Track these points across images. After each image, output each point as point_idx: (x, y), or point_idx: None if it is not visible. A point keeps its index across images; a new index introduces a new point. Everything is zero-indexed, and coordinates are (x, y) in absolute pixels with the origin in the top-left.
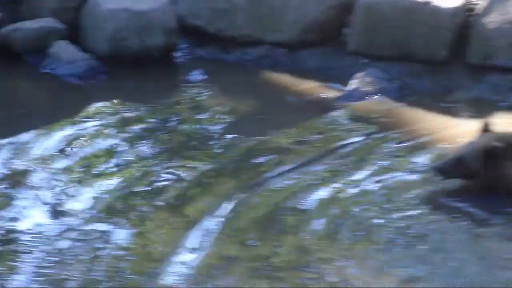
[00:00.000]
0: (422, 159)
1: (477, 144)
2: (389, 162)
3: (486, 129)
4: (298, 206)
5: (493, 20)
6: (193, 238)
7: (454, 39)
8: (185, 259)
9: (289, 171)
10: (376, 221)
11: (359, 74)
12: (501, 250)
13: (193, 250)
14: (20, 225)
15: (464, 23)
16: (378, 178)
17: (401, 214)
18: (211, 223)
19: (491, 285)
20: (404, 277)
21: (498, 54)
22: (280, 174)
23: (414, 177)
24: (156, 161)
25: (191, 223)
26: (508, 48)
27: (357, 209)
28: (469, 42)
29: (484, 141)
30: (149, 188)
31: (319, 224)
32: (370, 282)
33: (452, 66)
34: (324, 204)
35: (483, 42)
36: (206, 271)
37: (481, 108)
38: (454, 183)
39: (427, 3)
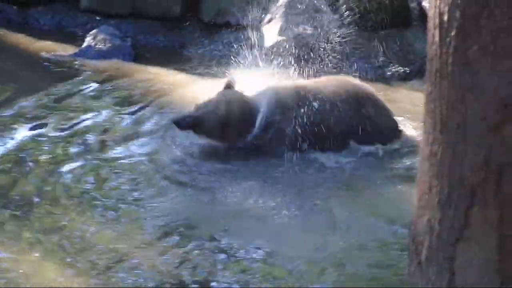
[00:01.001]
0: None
1: (214, 103)
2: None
3: (227, 87)
4: None
5: None
6: None
7: None
8: None
9: None
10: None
11: (92, 32)
12: None
13: None
14: None
15: None
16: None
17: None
18: None
19: None
20: None
21: (230, 12)
22: None
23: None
24: None
25: None
26: (241, 6)
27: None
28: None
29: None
30: None
31: None
32: None
33: (186, 23)
34: None
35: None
36: None
37: (215, 65)
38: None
39: None
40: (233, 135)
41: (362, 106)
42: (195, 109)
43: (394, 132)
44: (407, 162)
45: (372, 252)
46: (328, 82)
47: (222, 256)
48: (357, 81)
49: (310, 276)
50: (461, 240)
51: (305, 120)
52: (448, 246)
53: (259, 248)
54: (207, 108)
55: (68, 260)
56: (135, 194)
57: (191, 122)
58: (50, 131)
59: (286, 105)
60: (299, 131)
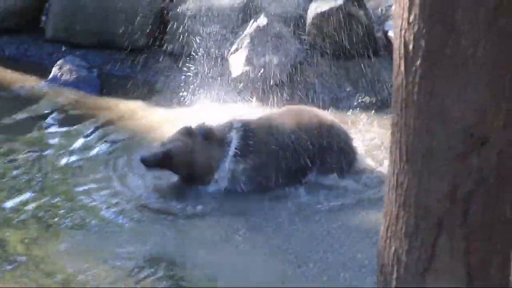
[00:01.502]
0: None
1: (182, 138)
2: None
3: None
4: None
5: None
6: None
7: (155, 28)
8: None
9: None
10: None
11: (59, 62)
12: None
13: None
14: None
15: (162, 10)
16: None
17: None
18: None
19: None
20: None
21: (196, 43)
22: None
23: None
24: None
25: None
26: (206, 37)
27: None
28: (168, 31)
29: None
30: None
31: None
32: None
33: (153, 53)
34: None
35: (180, 30)
36: None
37: (181, 93)
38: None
39: None
40: (201, 170)
41: (324, 135)
42: (161, 146)
43: (353, 160)
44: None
45: None
46: (289, 113)
47: None
48: (317, 111)
49: None
50: (429, 270)
51: (271, 153)
52: (416, 277)
53: None
54: (174, 143)
55: None
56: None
57: (159, 158)
58: None
59: (254, 138)
60: (269, 163)
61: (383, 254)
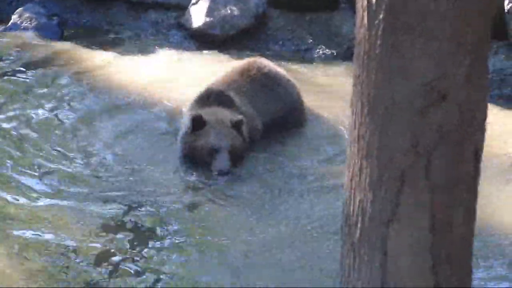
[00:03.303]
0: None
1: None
2: None
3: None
4: None
5: None
6: None
7: None
8: None
9: None
10: None
11: (18, 10)
12: None
13: None
14: None
15: None
16: None
17: None
18: None
19: None
20: None
21: None
22: None
23: None
24: None
25: None
26: None
27: None
28: None
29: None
30: None
31: None
32: None
33: (113, 2)
34: None
35: None
36: None
37: (142, 43)
38: None
39: None
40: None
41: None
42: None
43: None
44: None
45: None
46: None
47: None
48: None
49: None
50: (393, 221)
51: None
52: (380, 227)
53: None
54: (227, 137)
55: None
56: None
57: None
58: None
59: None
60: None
61: (348, 205)
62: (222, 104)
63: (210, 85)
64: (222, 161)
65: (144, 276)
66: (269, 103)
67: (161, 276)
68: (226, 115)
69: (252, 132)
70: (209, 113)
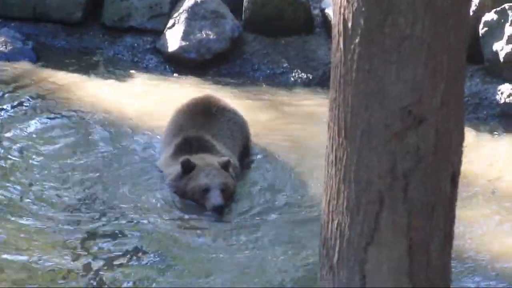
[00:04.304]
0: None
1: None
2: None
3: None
4: None
5: None
6: None
7: (90, 1)
8: None
9: None
10: None
11: None
12: None
13: None
14: None
15: None
16: None
17: None
18: None
19: None
20: None
21: (133, 16)
22: None
23: None
24: None
25: None
26: (143, 10)
27: None
28: (104, 4)
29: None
30: None
31: None
32: None
33: (89, 26)
34: None
35: (117, 4)
36: None
37: (118, 68)
38: None
39: None
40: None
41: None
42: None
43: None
44: None
45: None
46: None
47: None
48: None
49: None
50: (371, 244)
51: None
52: (358, 250)
53: None
54: (218, 176)
55: None
56: None
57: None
58: None
59: None
60: None
61: (326, 228)
62: (203, 150)
63: (186, 133)
64: (216, 197)
65: None
66: (235, 138)
67: None
68: (212, 158)
69: (234, 171)
70: (196, 158)
